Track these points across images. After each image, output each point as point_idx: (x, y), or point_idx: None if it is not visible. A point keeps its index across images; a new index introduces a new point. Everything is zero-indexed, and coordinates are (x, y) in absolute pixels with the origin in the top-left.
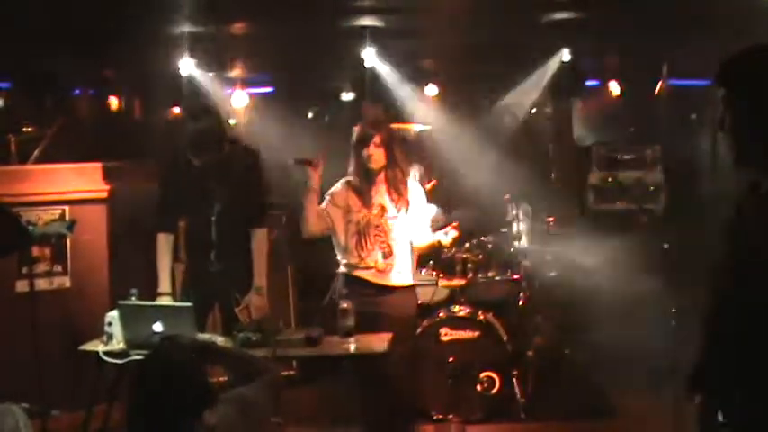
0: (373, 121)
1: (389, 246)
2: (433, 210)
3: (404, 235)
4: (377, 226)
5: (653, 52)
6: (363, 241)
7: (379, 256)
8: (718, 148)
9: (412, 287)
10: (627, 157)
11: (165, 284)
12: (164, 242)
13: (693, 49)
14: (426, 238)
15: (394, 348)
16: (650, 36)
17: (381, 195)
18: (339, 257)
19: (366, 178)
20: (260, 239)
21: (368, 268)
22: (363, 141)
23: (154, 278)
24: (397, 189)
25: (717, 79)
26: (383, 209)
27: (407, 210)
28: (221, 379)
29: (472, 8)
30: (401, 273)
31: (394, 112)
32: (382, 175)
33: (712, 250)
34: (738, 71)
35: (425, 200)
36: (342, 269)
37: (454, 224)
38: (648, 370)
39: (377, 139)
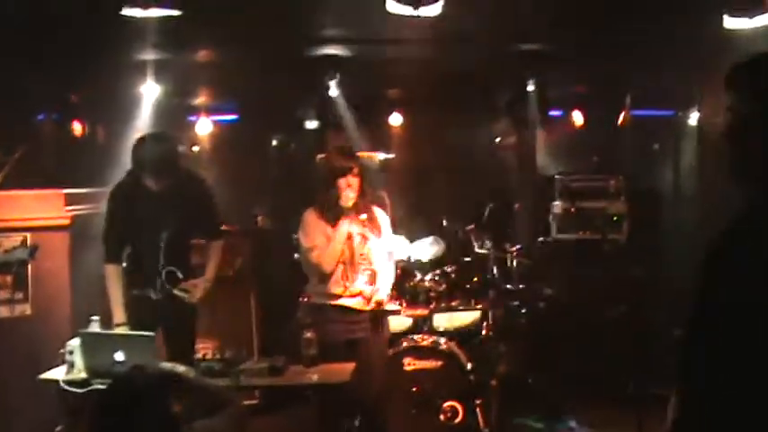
0: (347, 151)
1: (374, 272)
2: (400, 242)
3: (383, 259)
4: (361, 254)
5: (616, 83)
6: (348, 270)
7: (364, 283)
8: (681, 178)
9: (386, 310)
10: (590, 186)
11: (119, 315)
12: (113, 274)
13: (656, 80)
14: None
15: (385, 372)
16: (614, 66)
17: (356, 224)
18: (316, 288)
19: (341, 208)
20: (215, 249)
21: (353, 296)
22: (341, 171)
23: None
24: (370, 216)
25: (726, 82)
26: (364, 237)
27: (380, 235)
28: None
29: (437, 39)
30: (386, 296)
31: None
32: (355, 205)
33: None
34: (749, 75)
35: (389, 226)
36: (320, 299)
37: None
38: (613, 398)
39: (356, 170)
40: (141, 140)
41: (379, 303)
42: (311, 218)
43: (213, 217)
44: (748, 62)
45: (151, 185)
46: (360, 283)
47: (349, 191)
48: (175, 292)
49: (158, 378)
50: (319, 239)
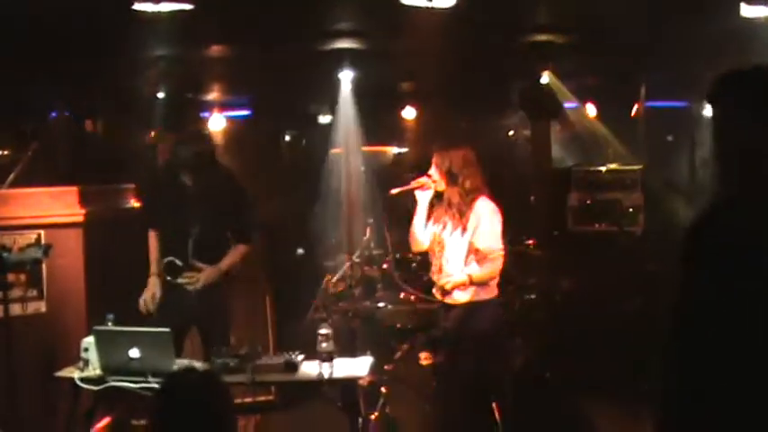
0: (438, 145)
1: (441, 263)
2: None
3: (458, 255)
4: (438, 242)
5: (630, 74)
6: (431, 256)
7: (436, 272)
8: (695, 169)
9: (474, 303)
10: (606, 178)
11: (154, 267)
12: (154, 237)
13: (670, 72)
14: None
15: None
16: (628, 58)
17: (444, 213)
18: None
19: (436, 197)
20: (238, 249)
21: (435, 284)
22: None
23: (131, 303)
24: (456, 209)
25: (708, 97)
26: (444, 224)
27: (463, 227)
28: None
29: (450, 31)
30: (455, 288)
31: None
32: (444, 195)
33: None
34: (728, 89)
35: (495, 227)
36: None
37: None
38: (630, 393)
39: (434, 160)
40: (181, 138)
41: (444, 291)
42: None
43: (245, 220)
44: (730, 77)
45: (186, 181)
46: (435, 270)
47: (428, 182)
48: (179, 281)
49: (209, 378)
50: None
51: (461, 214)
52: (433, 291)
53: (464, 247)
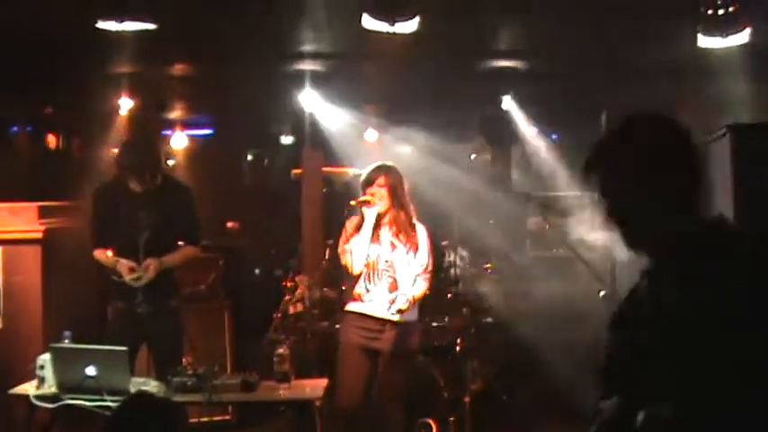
0: (377, 166)
1: (395, 281)
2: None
3: (409, 274)
4: (386, 260)
5: (591, 100)
6: (371, 274)
7: (385, 290)
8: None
9: (414, 323)
10: (565, 204)
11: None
12: (102, 251)
13: (632, 98)
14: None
15: (389, 384)
16: (589, 84)
17: (388, 234)
18: (347, 291)
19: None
20: (188, 248)
21: (372, 301)
22: (368, 182)
23: (88, 321)
24: (404, 230)
25: (587, 168)
26: (393, 245)
27: (416, 253)
28: None
29: (412, 55)
30: (405, 306)
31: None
32: (388, 216)
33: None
34: (607, 155)
35: (427, 245)
36: (348, 302)
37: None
38: (588, 415)
39: (380, 180)
40: (126, 144)
41: (399, 311)
42: (349, 224)
43: (193, 225)
44: (603, 144)
45: (134, 187)
46: (381, 288)
47: (374, 199)
48: (126, 280)
49: (165, 403)
50: (351, 243)
51: (408, 235)
52: (363, 308)
53: (415, 267)
